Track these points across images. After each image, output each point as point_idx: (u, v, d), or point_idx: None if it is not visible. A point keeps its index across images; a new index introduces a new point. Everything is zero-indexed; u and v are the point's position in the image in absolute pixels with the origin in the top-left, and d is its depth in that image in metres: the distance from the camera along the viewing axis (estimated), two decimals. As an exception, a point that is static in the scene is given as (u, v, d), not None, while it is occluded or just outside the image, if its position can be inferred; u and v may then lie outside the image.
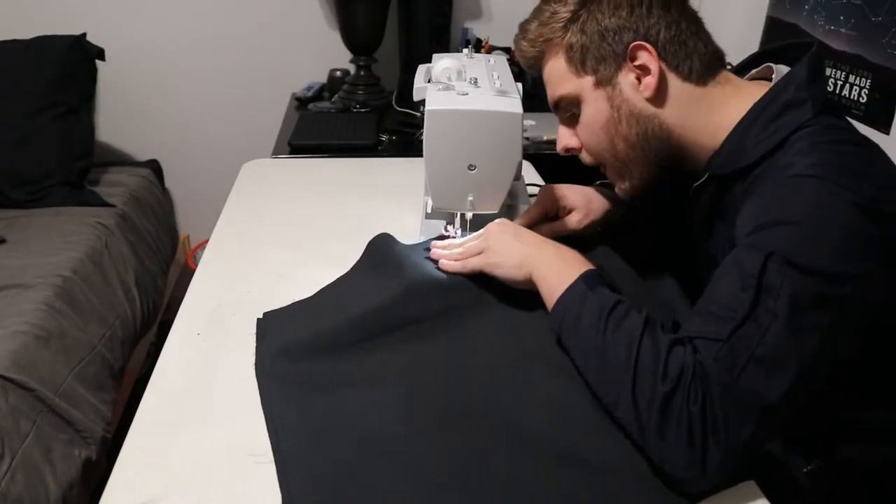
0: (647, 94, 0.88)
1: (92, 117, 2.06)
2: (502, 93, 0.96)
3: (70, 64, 1.98)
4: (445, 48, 2.10)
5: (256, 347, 0.91)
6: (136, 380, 1.83)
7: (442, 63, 1.06)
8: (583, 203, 1.09)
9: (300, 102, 2.16)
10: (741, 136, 0.85)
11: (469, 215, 1.02)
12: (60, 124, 1.95)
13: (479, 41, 2.20)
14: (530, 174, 1.51)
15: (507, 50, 2.16)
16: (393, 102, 2.11)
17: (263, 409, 0.81)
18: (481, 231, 0.96)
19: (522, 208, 1.12)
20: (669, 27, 0.88)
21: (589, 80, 0.91)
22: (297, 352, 0.87)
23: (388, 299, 0.91)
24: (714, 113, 0.88)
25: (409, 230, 1.10)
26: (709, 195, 0.91)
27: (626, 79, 0.89)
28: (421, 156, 0.96)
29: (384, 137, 1.86)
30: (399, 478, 0.71)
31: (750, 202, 0.79)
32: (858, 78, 1.48)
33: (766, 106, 0.84)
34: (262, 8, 2.23)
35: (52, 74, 1.95)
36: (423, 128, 0.95)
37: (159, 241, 2.13)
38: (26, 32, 2.01)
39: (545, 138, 1.83)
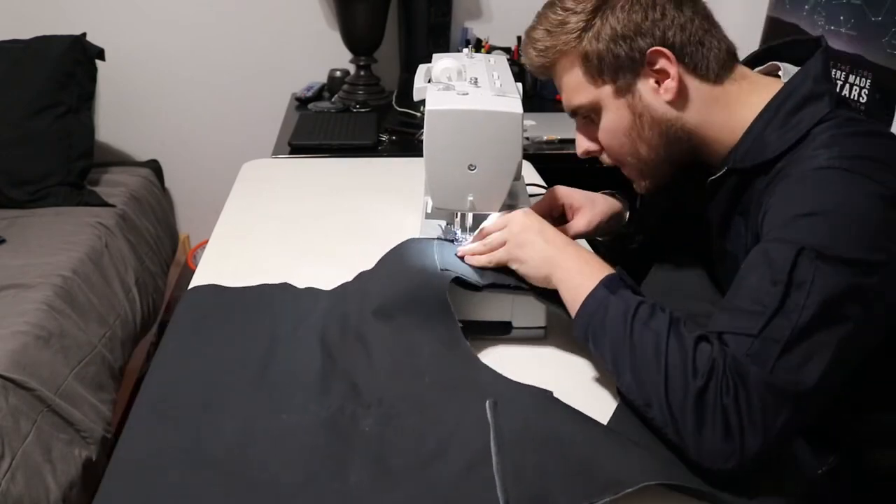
0: (668, 97, 0.88)
1: (92, 117, 2.06)
2: (502, 93, 0.96)
3: (70, 64, 1.98)
4: (445, 48, 2.10)
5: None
6: (137, 380, 1.83)
7: (442, 63, 1.06)
8: (588, 204, 1.09)
9: (300, 102, 2.16)
10: (761, 130, 0.86)
11: (469, 215, 1.02)
12: (60, 124, 1.95)
13: (479, 41, 2.20)
14: (530, 174, 1.51)
15: (507, 50, 2.16)
16: (393, 102, 2.11)
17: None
18: (504, 218, 0.95)
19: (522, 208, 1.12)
20: (684, 28, 0.87)
21: (608, 89, 0.91)
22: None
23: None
24: (733, 110, 0.89)
25: (409, 230, 1.10)
26: (726, 190, 0.91)
27: (646, 84, 0.89)
28: (421, 156, 0.96)
29: (384, 137, 1.86)
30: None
31: (775, 196, 0.80)
32: (858, 78, 1.48)
33: (785, 100, 0.85)
34: (262, 8, 2.23)
35: (52, 74, 1.95)
36: (423, 128, 0.95)
37: (159, 241, 2.13)
38: (26, 32, 2.01)
39: (545, 138, 1.83)
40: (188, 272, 2.21)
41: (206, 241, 1.23)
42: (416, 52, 2.08)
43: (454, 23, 2.18)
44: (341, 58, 2.19)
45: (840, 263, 0.71)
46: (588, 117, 0.96)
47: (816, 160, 0.78)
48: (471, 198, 0.98)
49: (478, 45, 2.17)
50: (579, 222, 1.08)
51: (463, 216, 1.03)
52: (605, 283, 0.82)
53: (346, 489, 0.70)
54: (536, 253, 0.89)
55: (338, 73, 2.21)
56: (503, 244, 0.93)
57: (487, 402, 0.77)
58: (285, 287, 1.04)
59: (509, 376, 0.89)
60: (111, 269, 1.75)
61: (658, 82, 0.89)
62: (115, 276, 1.75)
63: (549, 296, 0.91)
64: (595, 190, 1.15)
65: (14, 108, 1.91)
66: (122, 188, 2.06)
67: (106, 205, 1.93)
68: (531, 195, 1.26)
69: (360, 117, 2.00)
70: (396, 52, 2.22)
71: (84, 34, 2.05)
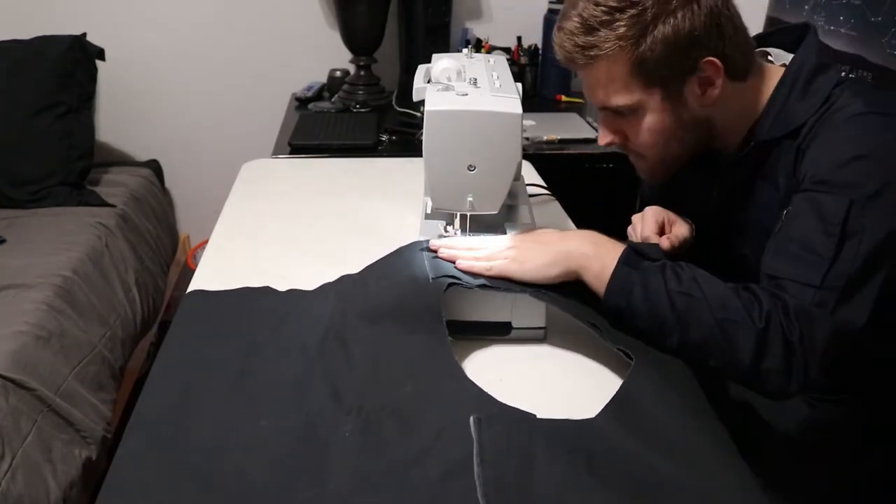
0: (709, 102, 0.92)
1: (92, 117, 2.06)
2: (502, 93, 0.96)
3: (70, 64, 1.98)
4: (445, 48, 2.10)
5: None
6: (136, 380, 1.83)
7: (441, 63, 1.06)
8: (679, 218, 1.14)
9: (300, 102, 2.16)
10: (782, 104, 0.91)
11: (469, 216, 1.02)
12: (60, 124, 1.95)
13: (478, 41, 2.20)
14: (530, 174, 1.51)
15: (506, 50, 2.16)
16: (393, 102, 2.11)
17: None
18: (493, 243, 0.97)
19: (522, 209, 1.12)
20: (730, 37, 0.90)
21: (657, 94, 0.92)
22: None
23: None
24: (753, 99, 0.94)
25: (409, 230, 1.10)
26: (746, 163, 0.96)
27: (692, 90, 0.92)
28: (421, 156, 0.96)
29: (384, 137, 1.86)
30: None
31: (814, 145, 0.86)
32: (858, 78, 1.48)
33: (797, 75, 0.91)
34: (262, 8, 2.23)
35: (52, 74, 1.95)
36: (423, 128, 0.95)
37: (159, 241, 2.13)
38: (26, 32, 2.01)
39: (545, 138, 1.83)
40: (188, 272, 2.21)
41: (206, 241, 1.23)
42: (416, 53, 2.08)
43: (454, 23, 2.18)
44: (341, 58, 2.19)
45: (888, 205, 0.78)
46: (618, 112, 0.96)
47: (852, 108, 0.84)
48: (470, 198, 0.98)
49: (477, 46, 2.17)
50: (682, 228, 1.07)
51: (463, 216, 1.03)
52: (625, 262, 0.86)
53: (324, 495, 0.70)
54: (539, 256, 0.92)
55: (338, 73, 2.21)
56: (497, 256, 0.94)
57: (472, 417, 0.76)
58: (266, 291, 1.04)
59: (509, 376, 0.89)
60: (111, 269, 1.75)
61: (702, 87, 0.91)
62: (115, 276, 1.76)
63: (546, 293, 0.91)
64: (594, 190, 1.15)
65: (14, 108, 1.91)
66: (123, 188, 2.06)
67: (106, 205, 1.93)
68: (531, 195, 1.26)
69: (360, 117, 2.00)
70: (396, 52, 2.21)
71: (84, 34, 2.05)
